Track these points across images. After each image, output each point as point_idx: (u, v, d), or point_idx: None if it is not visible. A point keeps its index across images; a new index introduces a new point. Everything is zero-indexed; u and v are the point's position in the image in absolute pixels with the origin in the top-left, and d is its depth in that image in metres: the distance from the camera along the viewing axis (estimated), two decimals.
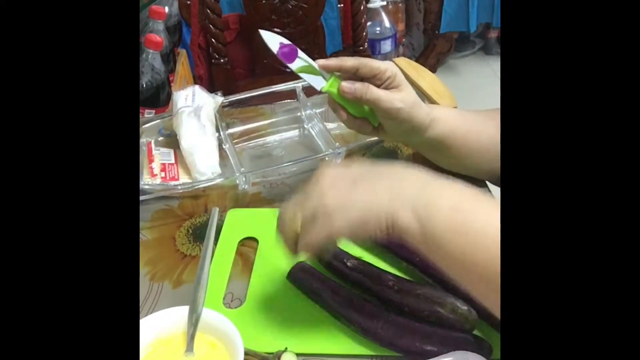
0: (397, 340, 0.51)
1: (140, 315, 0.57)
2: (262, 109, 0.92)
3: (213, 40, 1.43)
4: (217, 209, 0.61)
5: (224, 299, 0.60)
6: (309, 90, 0.89)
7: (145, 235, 0.71)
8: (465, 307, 0.52)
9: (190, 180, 0.76)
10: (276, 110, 0.91)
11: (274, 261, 0.63)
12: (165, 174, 0.77)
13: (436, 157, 0.72)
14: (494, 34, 2.55)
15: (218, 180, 0.74)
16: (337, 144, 0.77)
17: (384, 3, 2.13)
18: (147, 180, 0.75)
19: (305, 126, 0.88)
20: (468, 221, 0.45)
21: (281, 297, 0.59)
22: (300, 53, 0.63)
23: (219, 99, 0.85)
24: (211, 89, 0.87)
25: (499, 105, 0.44)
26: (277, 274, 0.60)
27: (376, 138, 0.75)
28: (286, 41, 0.63)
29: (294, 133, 0.88)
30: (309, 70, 0.63)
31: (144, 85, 1.00)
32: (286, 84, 0.89)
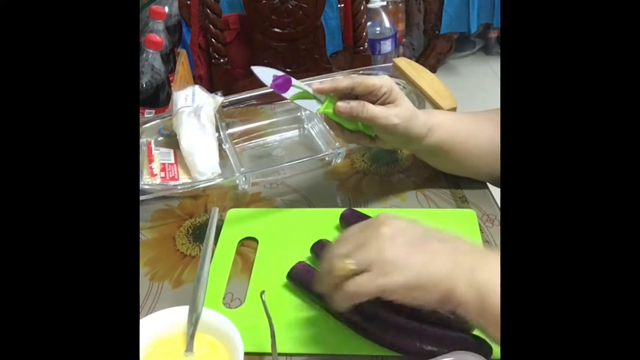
0: (397, 340, 0.51)
1: (140, 315, 0.57)
2: (262, 109, 0.92)
3: (213, 40, 1.43)
4: (217, 208, 0.61)
5: (224, 299, 0.60)
6: None
7: (145, 235, 0.71)
8: None
9: (190, 180, 0.76)
10: (276, 110, 0.91)
11: (274, 261, 0.63)
12: (165, 174, 0.77)
13: (435, 161, 0.72)
14: (494, 34, 2.55)
15: (218, 180, 0.74)
16: (337, 144, 0.77)
17: (384, 3, 2.12)
18: (147, 180, 0.75)
19: (305, 126, 0.88)
20: None
21: (281, 297, 0.59)
22: (294, 81, 0.64)
23: (219, 99, 0.85)
24: (211, 89, 0.87)
25: (499, 105, 0.44)
26: (277, 274, 0.60)
27: None
28: (279, 73, 0.63)
29: (294, 133, 0.88)
30: (304, 95, 0.63)
31: (144, 85, 1.00)
32: None
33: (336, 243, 0.52)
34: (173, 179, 0.77)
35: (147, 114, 1.00)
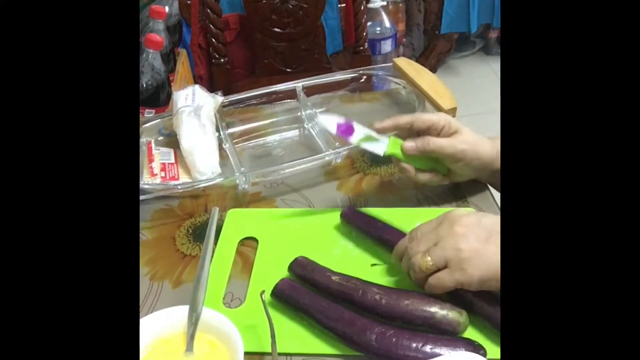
0: (392, 350, 0.51)
1: (140, 315, 0.57)
2: (262, 109, 0.92)
3: (213, 40, 1.43)
4: (217, 208, 0.61)
5: (223, 298, 0.60)
6: (309, 90, 0.89)
7: (145, 235, 0.71)
8: (455, 311, 0.52)
9: (190, 180, 0.76)
10: (276, 110, 0.91)
11: (274, 261, 0.63)
12: (165, 174, 0.77)
13: None
14: (494, 35, 2.55)
15: (218, 180, 0.74)
16: (337, 143, 0.77)
17: (384, 3, 2.12)
18: (147, 180, 0.75)
19: (305, 126, 0.88)
20: None
21: None
22: (356, 125, 0.65)
23: (219, 98, 0.85)
24: (211, 88, 0.87)
25: (499, 105, 0.44)
26: (277, 274, 0.60)
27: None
28: (342, 120, 0.65)
29: (294, 133, 0.88)
30: (368, 138, 0.65)
31: (144, 85, 1.00)
32: (286, 83, 0.89)
33: (411, 241, 0.57)
34: (173, 178, 0.77)
35: (147, 113, 1.00)
